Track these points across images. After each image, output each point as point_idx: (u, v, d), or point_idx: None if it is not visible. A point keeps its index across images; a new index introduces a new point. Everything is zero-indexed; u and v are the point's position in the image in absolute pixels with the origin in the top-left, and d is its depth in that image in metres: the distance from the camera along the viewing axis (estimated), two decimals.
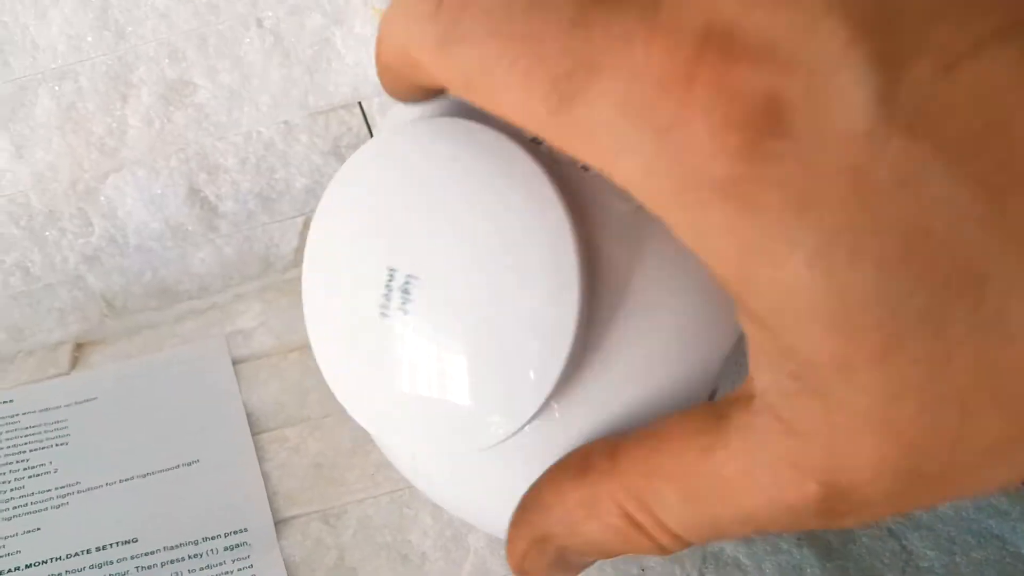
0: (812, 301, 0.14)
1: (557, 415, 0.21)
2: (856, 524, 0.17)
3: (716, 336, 0.21)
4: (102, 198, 0.41)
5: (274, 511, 0.34)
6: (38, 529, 0.34)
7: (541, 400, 0.20)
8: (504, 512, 0.21)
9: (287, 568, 0.32)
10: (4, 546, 0.33)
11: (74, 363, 0.42)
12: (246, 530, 0.33)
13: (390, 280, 0.21)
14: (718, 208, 0.14)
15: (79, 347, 0.43)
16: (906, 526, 0.30)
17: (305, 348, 0.40)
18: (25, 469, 0.36)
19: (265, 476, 0.35)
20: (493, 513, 0.23)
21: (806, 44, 0.14)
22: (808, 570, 0.29)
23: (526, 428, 0.20)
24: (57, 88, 0.38)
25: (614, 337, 0.20)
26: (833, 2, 0.14)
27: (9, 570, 0.32)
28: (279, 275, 0.44)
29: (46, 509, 0.34)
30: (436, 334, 0.21)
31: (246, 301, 0.43)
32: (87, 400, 0.39)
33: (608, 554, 0.20)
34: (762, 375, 0.17)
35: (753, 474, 0.17)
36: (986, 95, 0.13)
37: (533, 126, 0.17)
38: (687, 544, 0.19)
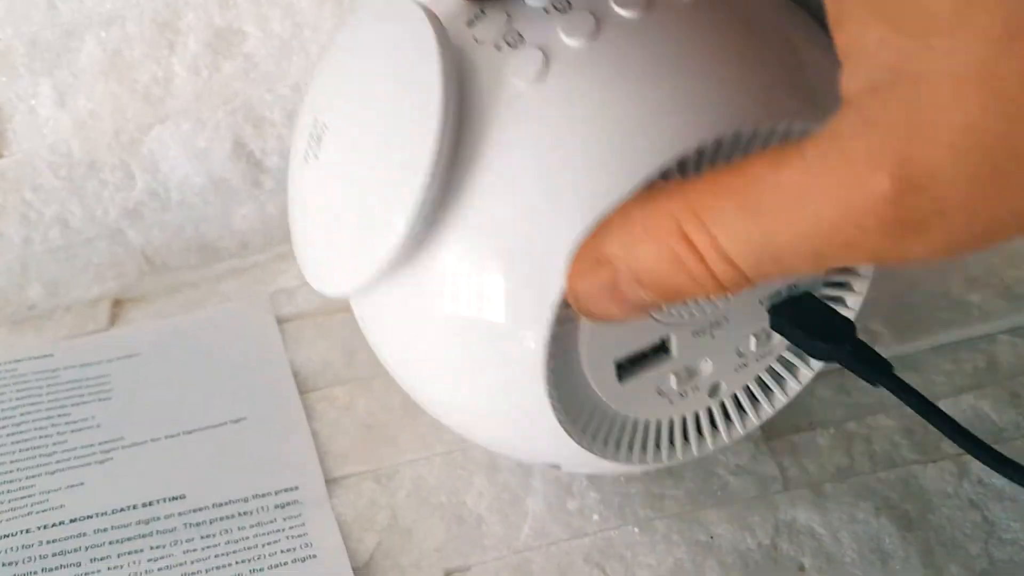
0: None
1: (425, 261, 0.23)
2: (928, 248, 0.17)
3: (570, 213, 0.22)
4: (145, 150, 0.40)
5: (325, 470, 0.33)
6: (82, 484, 0.33)
7: (397, 242, 0.22)
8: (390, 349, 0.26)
9: (340, 527, 0.31)
10: (47, 500, 0.32)
11: (112, 320, 0.41)
12: (297, 488, 0.32)
13: (313, 129, 0.24)
14: None
15: (117, 304, 0.42)
16: (987, 496, 0.28)
17: (351, 308, 0.39)
18: (67, 424, 0.35)
19: (314, 435, 0.34)
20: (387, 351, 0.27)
21: None
22: (887, 540, 0.28)
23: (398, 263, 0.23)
24: (103, 34, 0.37)
25: (477, 194, 0.22)
26: None
27: (53, 524, 0.31)
28: None
29: (89, 464, 0.33)
30: (327, 178, 0.24)
31: (288, 260, 0.42)
32: (129, 356, 0.38)
33: (661, 287, 0.20)
34: (853, 80, 0.17)
35: (823, 178, 0.17)
36: None
37: None
38: (742, 276, 0.19)
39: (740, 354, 0.26)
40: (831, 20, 0.17)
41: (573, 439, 0.25)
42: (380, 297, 0.25)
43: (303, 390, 0.36)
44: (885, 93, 0.16)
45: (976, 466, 0.29)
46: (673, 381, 0.26)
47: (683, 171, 0.22)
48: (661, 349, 0.25)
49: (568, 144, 0.22)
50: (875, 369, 0.25)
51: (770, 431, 0.31)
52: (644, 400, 0.26)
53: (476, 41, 0.23)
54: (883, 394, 0.31)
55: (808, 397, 0.32)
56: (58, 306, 0.42)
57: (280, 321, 0.40)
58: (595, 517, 0.30)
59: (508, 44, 0.23)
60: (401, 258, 0.23)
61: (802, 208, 0.17)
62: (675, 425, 0.27)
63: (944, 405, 0.31)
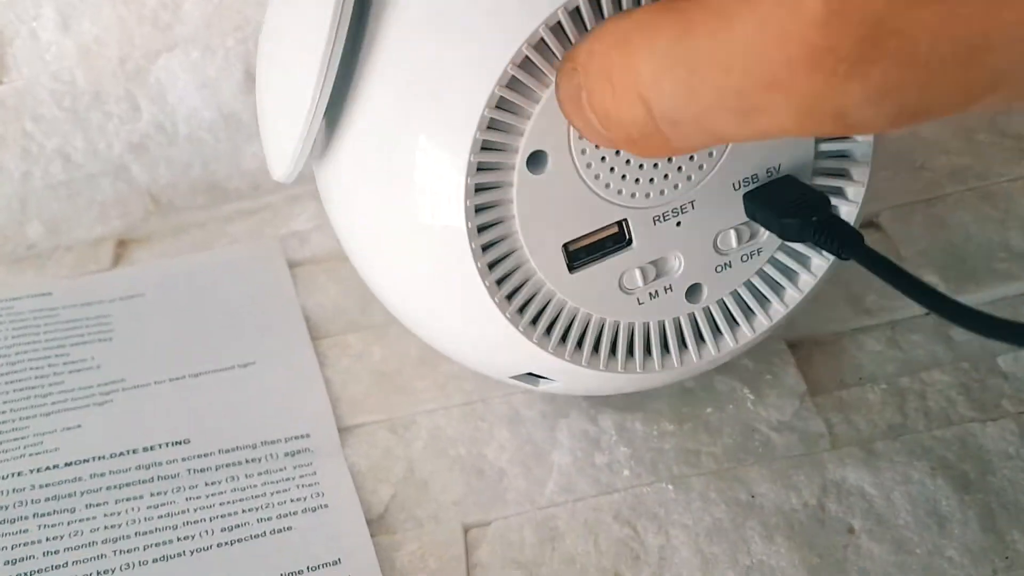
0: None
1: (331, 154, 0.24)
2: (867, 92, 0.15)
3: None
4: (152, 79, 0.38)
5: (337, 418, 0.31)
6: (79, 426, 0.31)
7: (305, 116, 0.23)
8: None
9: (353, 477, 0.29)
10: (42, 443, 0.30)
11: (116, 260, 0.39)
12: (308, 435, 0.30)
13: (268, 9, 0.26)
14: None
15: (121, 244, 0.40)
16: None
17: None
18: (65, 364, 0.33)
19: (327, 382, 0.32)
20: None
21: None
22: (943, 503, 0.26)
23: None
24: None
25: (381, 58, 0.23)
26: None
27: (47, 467, 0.29)
28: None
29: (88, 406, 0.32)
30: (262, 59, 0.26)
31: (301, 203, 0.40)
32: (132, 296, 0.36)
33: (599, 112, 0.19)
34: None
35: (754, 3, 0.15)
36: None
37: None
38: (653, 125, 0.17)
39: (719, 251, 0.24)
40: None
41: (519, 330, 0.23)
42: (323, 181, 0.26)
43: (315, 336, 0.34)
44: None
45: None
46: (638, 277, 0.24)
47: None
48: (620, 239, 0.23)
49: None
50: (845, 241, 0.22)
51: (815, 386, 0.29)
52: (604, 296, 0.24)
53: None
54: (937, 349, 0.30)
55: (857, 351, 0.30)
56: (59, 246, 0.40)
57: (292, 265, 0.38)
58: (625, 472, 0.28)
59: None
60: (310, 136, 0.23)
61: (728, 32, 0.15)
62: (651, 331, 0.25)
63: (1003, 361, 0.29)
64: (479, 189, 0.22)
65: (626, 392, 0.29)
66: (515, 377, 0.27)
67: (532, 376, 0.26)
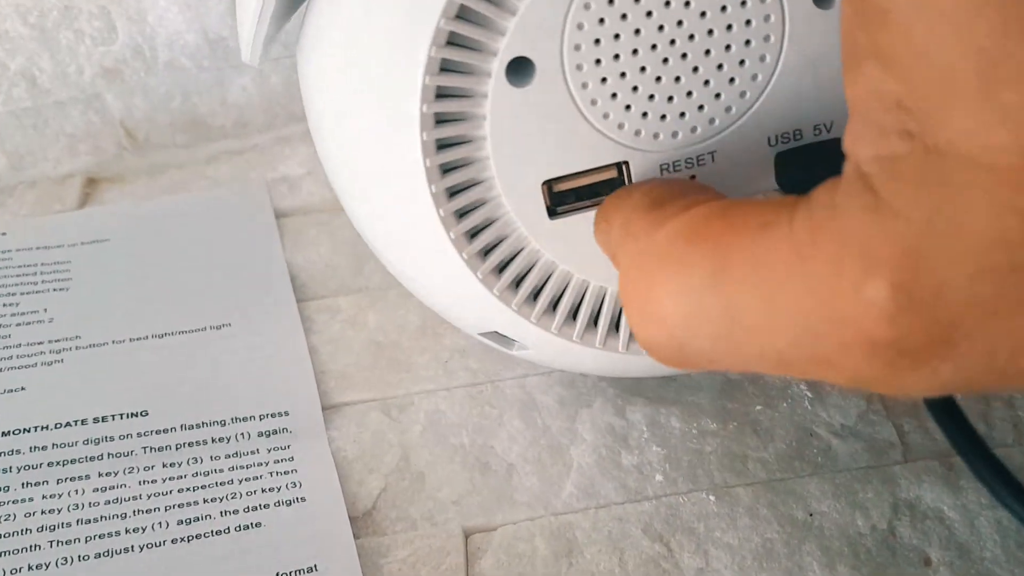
0: None
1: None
2: (928, 384, 0.13)
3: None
4: None
5: (322, 394, 0.27)
6: (22, 389, 0.27)
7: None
8: None
9: (337, 465, 0.25)
10: None
11: (84, 200, 0.35)
12: (287, 413, 0.26)
13: None
14: None
15: (91, 182, 0.36)
16: None
17: None
18: (13, 315, 0.29)
19: (312, 350, 0.28)
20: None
21: None
22: None
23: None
24: None
25: None
26: None
27: None
28: None
29: (35, 365, 0.27)
30: None
31: (292, 144, 0.36)
32: (96, 241, 0.32)
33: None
34: (863, 141, 0.13)
35: (808, 263, 0.13)
36: None
37: None
38: (671, 345, 0.15)
39: None
40: (844, 64, 0.13)
41: (478, 277, 0.20)
42: (300, 75, 0.22)
43: (301, 298, 0.30)
44: (901, 170, 0.13)
45: None
46: None
47: None
48: (617, 185, 0.19)
49: None
50: None
51: None
52: (590, 253, 0.19)
53: None
54: None
55: None
56: (21, 181, 0.36)
57: (279, 215, 0.33)
58: (658, 477, 0.24)
59: None
60: (266, 11, 0.20)
61: (777, 293, 0.14)
62: None
63: None
64: (443, 95, 0.18)
65: (609, 375, 0.25)
66: (483, 334, 0.23)
67: (500, 336, 0.22)
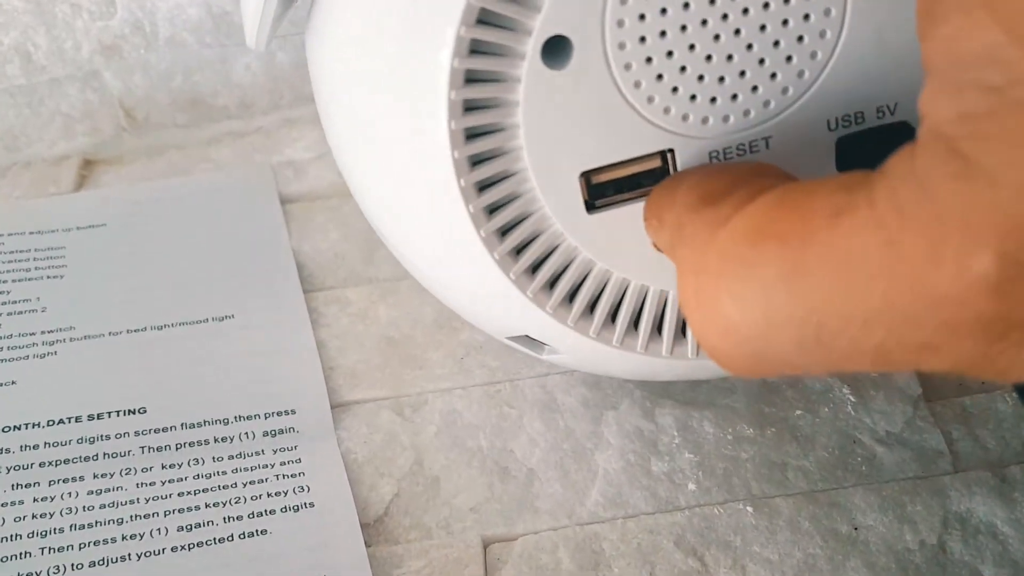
0: None
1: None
2: None
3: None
4: None
5: (330, 391, 0.25)
6: (13, 383, 0.25)
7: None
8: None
9: (347, 468, 0.23)
10: None
11: (80, 183, 0.33)
12: (294, 412, 0.24)
13: None
14: None
15: (88, 164, 0.34)
16: None
17: None
18: (4, 304, 0.27)
19: (320, 345, 0.26)
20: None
21: None
22: None
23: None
24: None
25: None
26: None
27: None
28: None
29: (27, 358, 0.26)
30: None
31: (299, 127, 0.34)
32: (92, 226, 0.30)
33: None
34: (941, 109, 0.12)
35: (898, 246, 0.12)
36: None
37: None
38: (752, 358, 0.14)
39: None
40: (920, 14, 0.12)
41: (511, 278, 0.18)
42: (309, 61, 0.21)
43: (308, 288, 0.28)
44: (987, 128, 0.12)
45: None
46: None
47: None
48: (662, 175, 0.17)
49: None
50: None
51: (932, 389, 0.23)
52: (631, 250, 0.18)
53: None
54: None
55: None
56: (16, 162, 0.34)
57: (284, 201, 0.32)
58: (691, 486, 0.22)
59: None
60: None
61: (868, 285, 0.13)
62: None
63: None
64: (472, 79, 0.16)
65: (649, 380, 0.23)
66: (511, 339, 0.21)
67: (531, 340, 0.21)
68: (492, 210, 0.18)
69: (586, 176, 0.17)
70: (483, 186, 0.17)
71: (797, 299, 0.13)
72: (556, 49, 0.16)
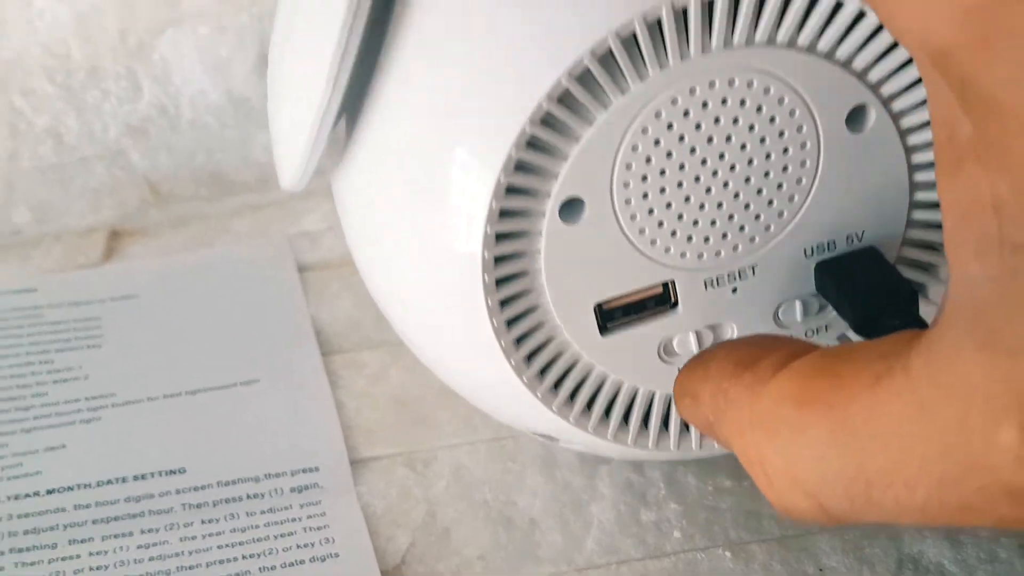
0: None
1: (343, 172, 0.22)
2: None
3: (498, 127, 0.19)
4: (156, 56, 0.34)
5: (350, 449, 0.28)
6: (63, 447, 0.28)
7: (314, 121, 0.20)
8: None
9: (367, 520, 0.26)
10: (21, 464, 0.27)
11: (108, 254, 0.36)
12: (317, 469, 0.27)
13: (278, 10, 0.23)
14: None
15: (115, 235, 0.37)
16: None
17: None
18: (49, 372, 0.30)
19: (338, 405, 0.29)
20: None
21: None
22: None
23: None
24: None
25: (401, 69, 0.20)
26: None
27: (27, 494, 0.26)
28: None
29: (73, 423, 0.28)
30: (272, 58, 0.22)
31: (314, 199, 0.37)
32: (125, 297, 0.33)
33: None
34: (966, 264, 0.13)
35: (932, 414, 0.13)
36: None
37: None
38: (821, 511, 0.15)
39: (780, 323, 0.21)
40: (938, 163, 0.13)
41: (538, 396, 0.21)
42: (339, 189, 0.23)
43: (326, 352, 0.31)
44: (1011, 294, 0.12)
45: None
46: (683, 344, 0.21)
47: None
48: (664, 300, 0.21)
49: (506, 13, 0.19)
50: None
51: None
52: (640, 362, 0.21)
53: None
54: None
55: None
56: (47, 234, 0.37)
57: (302, 269, 0.34)
58: (676, 534, 0.25)
59: None
60: (318, 145, 0.20)
61: (907, 449, 0.13)
62: None
63: None
64: (502, 237, 0.19)
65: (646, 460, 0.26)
66: (535, 433, 0.24)
67: (551, 436, 0.24)
68: (519, 340, 0.21)
69: (599, 305, 0.20)
70: (511, 321, 0.20)
71: (845, 457, 0.14)
72: (571, 207, 0.19)
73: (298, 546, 0.25)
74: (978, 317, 0.13)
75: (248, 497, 0.26)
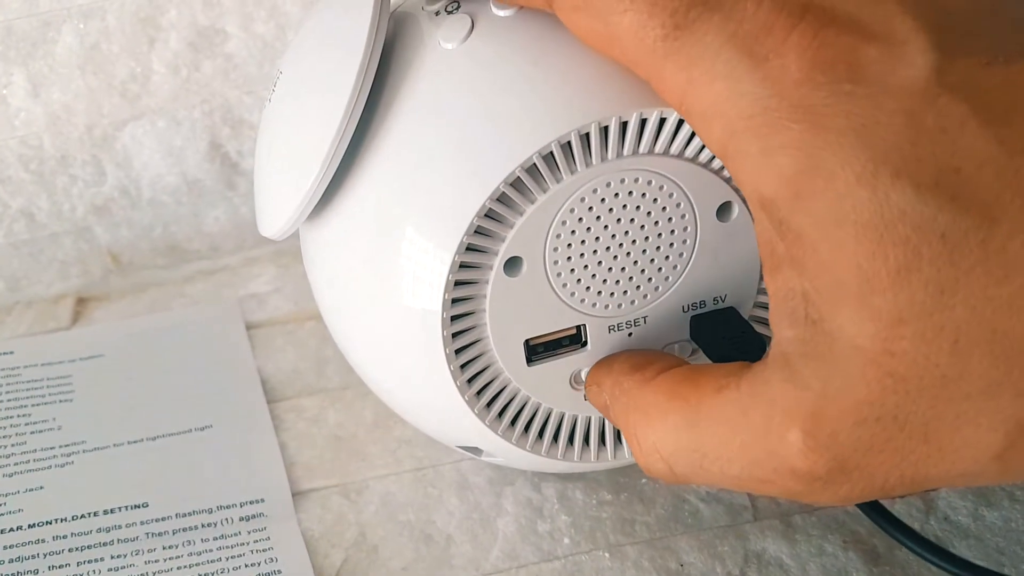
0: (855, 208, 0.17)
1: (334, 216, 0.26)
2: (835, 498, 0.19)
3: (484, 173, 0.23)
4: (118, 146, 0.39)
5: (292, 482, 0.32)
6: (41, 488, 0.32)
7: (309, 186, 0.24)
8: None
9: (306, 542, 0.30)
10: (4, 503, 0.31)
11: (75, 318, 0.40)
12: (263, 500, 0.31)
13: (277, 78, 0.27)
14: (789, 127, 0.17)
15: (81, 301, 0.41)
16: (953, 534, 0.29)
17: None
18: (27, 424, 0.34)
19: (282, 446, 0.34)
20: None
21: (884, 24, 0.18)
22: (854, 574, 0.28)
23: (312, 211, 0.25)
24: (82, 26, 0.36)
25: (392, 147, 0.24)
26: (907, 5, 0.18)
27: (11, 529, 0.30)
28: (295, 240, 0.42)
29: (50, 467, 0.33)
30: (271, 121, 0.27)
31: (260, 264, 0.42)
32: (93, 356, 0.37)
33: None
34: (783, 330, 0.19)
35: (750, 417, 0.19)
36: (1013, 87, 0.17)
37: (639, 49, 0.19)
38: (669, 472, 0.22)
39: None
40: (764, 265, 0.19)
41: (475, 412, 0.26)
42: (307, 243, 0.28)
43: (271, 399, 0.36)
44: (807, 350, 0.18)
45: (943, 503, 0.30)
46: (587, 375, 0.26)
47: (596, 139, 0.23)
48: (577, 340, 0.26)
49: (481, 104, 0.24)
50: None
51: None
52: (556, 389, 0.26)
53: (423, 10, 0.26)
54: None
55: None
56: (18, 302, 0.41)
57: (249, 327, 0.39)
58: (566, 540, 0.30)
59: (447, 12, 0.25)
60: (311, 203, 0.25)
61: (731, 437, 0.20)
62: (592, 425, 0.27)
63: None
64: (458, 283, 0.24)
65: (553, 472, 0.31)
66: (462, 447, 0.29)
67: (477, 448, 0.28)
68: (464, 365, 0.25)
69: (527, 341, 0.25)
70: (459, 350, 0.25)
71: (691, 438, 0.21)
72: (513, 264, 0.24)
73: (246, 566, 0.29)
74: (787, 362, 0.19)
75: (203, 526, 0.31)
